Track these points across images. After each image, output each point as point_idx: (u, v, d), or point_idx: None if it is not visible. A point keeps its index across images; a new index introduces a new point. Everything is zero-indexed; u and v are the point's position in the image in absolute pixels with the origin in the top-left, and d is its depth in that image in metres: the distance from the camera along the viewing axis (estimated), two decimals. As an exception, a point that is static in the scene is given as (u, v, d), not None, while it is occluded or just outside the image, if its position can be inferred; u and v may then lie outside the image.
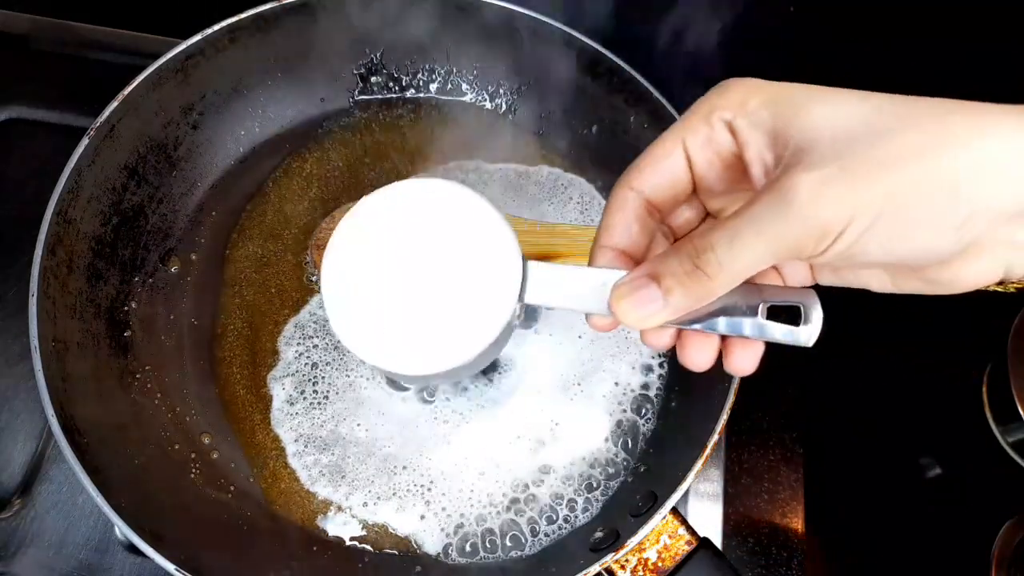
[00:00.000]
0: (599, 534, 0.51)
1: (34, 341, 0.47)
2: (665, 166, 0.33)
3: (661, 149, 0.33)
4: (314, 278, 0.60)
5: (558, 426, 0.57)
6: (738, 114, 0.30)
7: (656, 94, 0.57)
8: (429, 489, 0.55)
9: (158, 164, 0.59)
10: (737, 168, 0.32)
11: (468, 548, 0.54)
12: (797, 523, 0.63)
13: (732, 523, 0.61)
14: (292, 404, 0.57)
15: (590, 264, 0.35)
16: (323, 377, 0.58)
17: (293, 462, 0.55)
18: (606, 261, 0.34)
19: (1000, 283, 0.30)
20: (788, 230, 0.27)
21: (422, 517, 0.54)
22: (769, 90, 0.30)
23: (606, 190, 0.64)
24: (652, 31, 0.68)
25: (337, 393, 0.57)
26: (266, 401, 0.57)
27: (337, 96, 0.67)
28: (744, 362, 0.34)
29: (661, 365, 0.59)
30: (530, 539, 0.54)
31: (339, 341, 0.39)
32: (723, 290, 0.30)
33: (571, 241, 0.54)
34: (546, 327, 0.59)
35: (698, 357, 0.35)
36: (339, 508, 0.54)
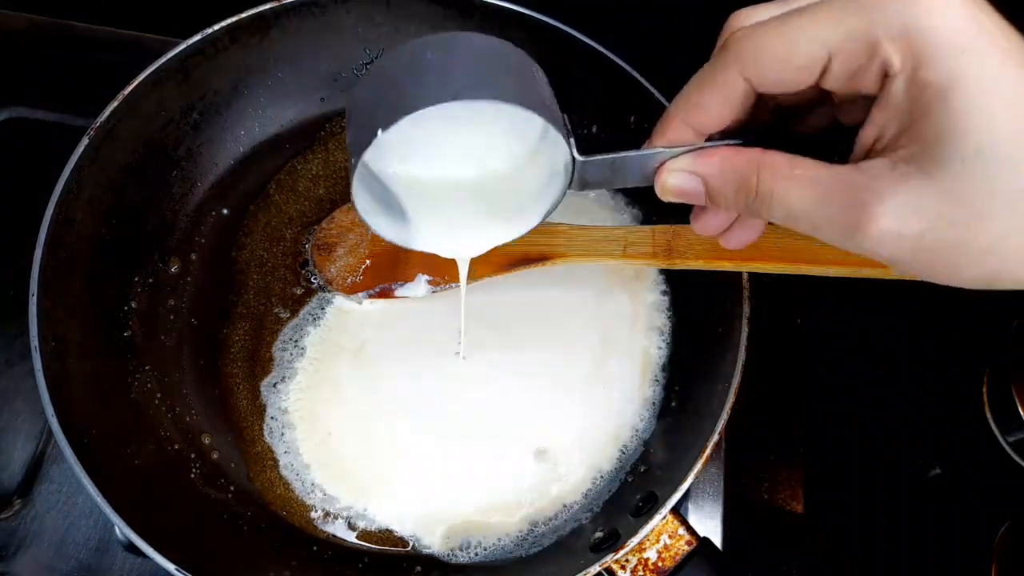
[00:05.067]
0: (599, 534, 0.51)
1: (34, 341, 0.47)
2: (796, 75, 0.29)
3: (800, 59, 0.28)
4: (314, 280, 0.60)
5: (558, 427, 0.56)
6: (899, 82, 0.26)
7: (656, 94, 0.57)
8: (429, 491, 0.55)
9: (158, 164, 0.59)
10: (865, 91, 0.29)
11: (468, 548, 0.54)
12: (797, 523, 0.63)
13: (732, 523, 0.61)
14: (284, 413, 0.57)
15: (656, 138, 0.34)
16: (317, 384, 0.57)
17: (286, 474, 0.55)
18: (682, 139, 0.33)
19: None
20: (838, 233, 0.28)
21: (422, 518, 0.54)
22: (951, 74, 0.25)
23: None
24: (653, 30, 0.68)
25: (331, 398, 0.57)
26: (262, 410, 0.57)
27: (338, 96, 0.67)
28: (741, 239, 0.38)
29: (663, 367, 0.59)
30: (530, 539, 0.54)
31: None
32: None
33: (570, 241, 0.54)
34: (548, 327, 0.59)
35: (711, 225, 0.37)
36: (335, 516, 0.55)
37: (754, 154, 0.31)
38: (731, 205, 0.32)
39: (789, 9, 0.29)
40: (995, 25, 0.26)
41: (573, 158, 0.36)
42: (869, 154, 0.28)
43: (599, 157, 0.36)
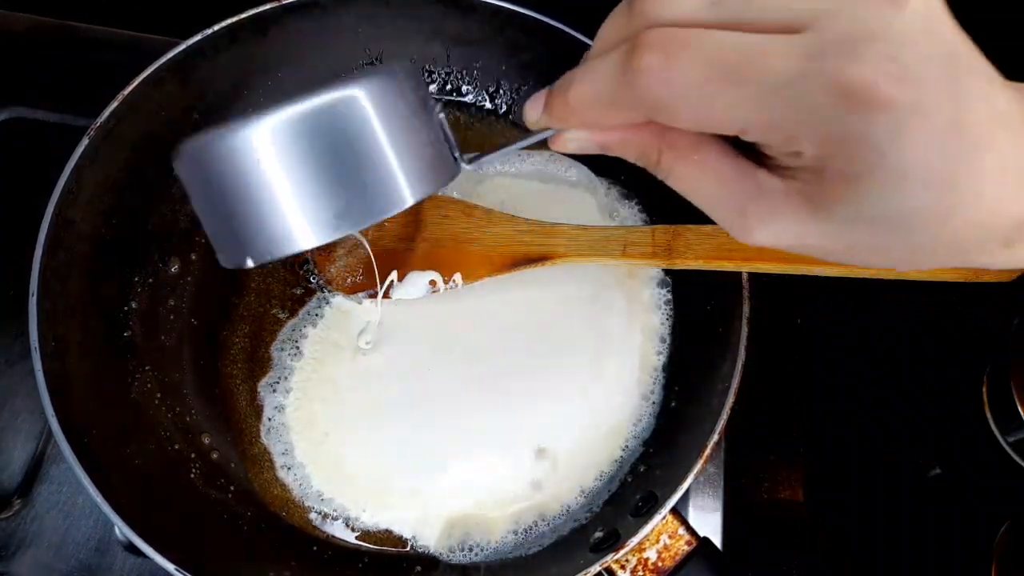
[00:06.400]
0: (599, 534, 0.51)
1: (34, 341, 0.47)
2: (706, 129, 0.28)
3: (713, 127, 0.27)
4: (313, 280, 0.60)
5: (558, 427, 0.56)
6: (808, 159, 0.25)
7: (656, 94, 0.57)
8: (428, 491, 0.55)
9: (158, 164, 0.59)
10: None
11: (468, 548, 0.54)
12: (797, 523, 0.63)
13: (732, 523, 0.61)
14: (282, 414, 0.57)
15: (547, 119, 0.31)
16: (315, 384, 0.57)
17: (283, 474, 0.55)
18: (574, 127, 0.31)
19: None
20: (725, 227, 0.29)
21: (421, 518, 0.54)
22: None
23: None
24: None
25: (329, 399, 0.57)
26: (259, 410, 0.57)
27: (337, 96, 0.67)
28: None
29: (663, 367, 0.59)
30: (530, 539, 0.54)
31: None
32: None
33: (570, 241, 0.54)
34: (548, 326, 0.59)
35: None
36: (334, 517, 0.55)
37: (656, 130, 0.29)
38: (631, 161, 0.31)
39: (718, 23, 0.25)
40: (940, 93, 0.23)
41: (461, 167, 0.34)
42: (763, 158, 0.28)
43: (489, 156, 0.34)
